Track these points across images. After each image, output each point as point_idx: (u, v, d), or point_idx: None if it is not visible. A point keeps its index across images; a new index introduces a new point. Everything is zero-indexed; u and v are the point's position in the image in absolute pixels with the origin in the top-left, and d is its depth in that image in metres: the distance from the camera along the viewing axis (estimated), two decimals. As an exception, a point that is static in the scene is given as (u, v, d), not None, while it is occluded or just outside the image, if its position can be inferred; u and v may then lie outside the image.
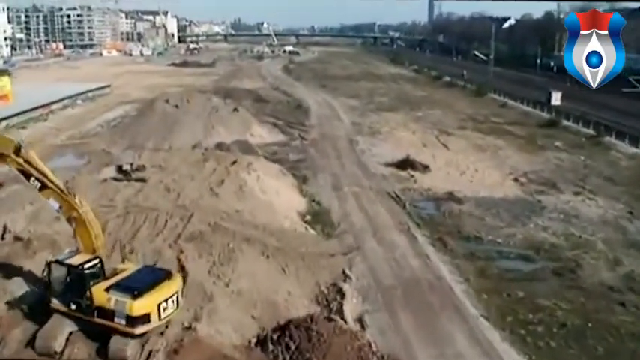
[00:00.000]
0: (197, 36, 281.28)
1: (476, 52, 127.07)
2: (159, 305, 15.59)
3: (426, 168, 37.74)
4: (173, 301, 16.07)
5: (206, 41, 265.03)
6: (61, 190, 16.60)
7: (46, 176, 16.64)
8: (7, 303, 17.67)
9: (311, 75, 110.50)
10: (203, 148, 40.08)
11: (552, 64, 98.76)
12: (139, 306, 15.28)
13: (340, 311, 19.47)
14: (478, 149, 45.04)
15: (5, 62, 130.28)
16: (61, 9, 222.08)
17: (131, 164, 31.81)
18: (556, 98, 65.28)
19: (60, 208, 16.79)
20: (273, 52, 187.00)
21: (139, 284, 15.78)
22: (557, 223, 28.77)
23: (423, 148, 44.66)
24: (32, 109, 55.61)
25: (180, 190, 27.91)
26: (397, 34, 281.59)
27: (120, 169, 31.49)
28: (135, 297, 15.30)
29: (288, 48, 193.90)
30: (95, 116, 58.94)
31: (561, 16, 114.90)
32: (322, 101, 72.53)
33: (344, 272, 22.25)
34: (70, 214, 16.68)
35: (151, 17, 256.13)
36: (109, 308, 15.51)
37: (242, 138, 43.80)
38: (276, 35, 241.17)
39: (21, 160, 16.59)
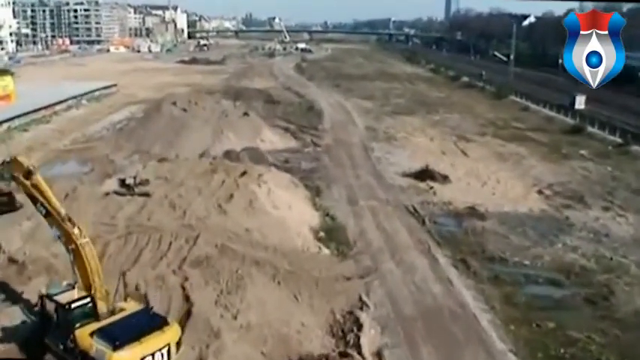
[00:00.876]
0: (207, 32, 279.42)
1: (495, 53, 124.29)
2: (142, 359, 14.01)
3: (445, 178, 35.97)
4: (162, 355, 14.35)
5: (216, 37, 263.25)
6: (62, 219, 15.85)
7: (50, 203, 16.13)
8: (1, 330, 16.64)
9: (324, 74, 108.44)
10: (211, 156, 38.64)
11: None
12: (118, 359, 13.75)
13: (357, 344, 18.04)
14: (499, 157, 43.16)
15: (10, 58, 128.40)
16: (67, 3, 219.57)
17: (134, 177, 30.38)
18: (580, 102, 63.05)
19: (60, 236, 16.11)
20: (285, 49, 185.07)
21: (124, 333, 14.17)
22: (587, 242, 27.06)
23: (442, 155, 42.83)
24: (35, 111, 54.14)
25: (186, 206, 26.42)
26: (413, 31, 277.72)
27: (123, 182, 30.06)
28: (115, 348, 13.74)
29: (301, 45, 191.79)
30: (100, 118, 57.42)
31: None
32: (335, 103, 70.70)
33: (361, 299, 20.80)
34: (69, 246, 15.85)
35: (160, 12, 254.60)
36: (91, 356, 14.09)
37: (252, 144, 42.30)
38: (288, 31, 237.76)
39: (29, 184, 16.27)
